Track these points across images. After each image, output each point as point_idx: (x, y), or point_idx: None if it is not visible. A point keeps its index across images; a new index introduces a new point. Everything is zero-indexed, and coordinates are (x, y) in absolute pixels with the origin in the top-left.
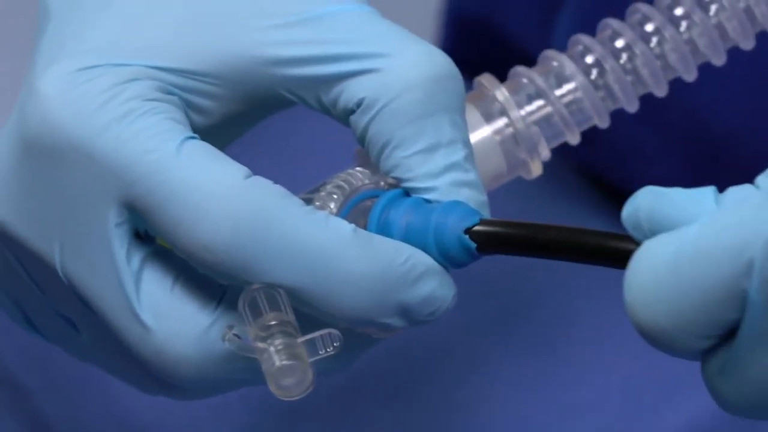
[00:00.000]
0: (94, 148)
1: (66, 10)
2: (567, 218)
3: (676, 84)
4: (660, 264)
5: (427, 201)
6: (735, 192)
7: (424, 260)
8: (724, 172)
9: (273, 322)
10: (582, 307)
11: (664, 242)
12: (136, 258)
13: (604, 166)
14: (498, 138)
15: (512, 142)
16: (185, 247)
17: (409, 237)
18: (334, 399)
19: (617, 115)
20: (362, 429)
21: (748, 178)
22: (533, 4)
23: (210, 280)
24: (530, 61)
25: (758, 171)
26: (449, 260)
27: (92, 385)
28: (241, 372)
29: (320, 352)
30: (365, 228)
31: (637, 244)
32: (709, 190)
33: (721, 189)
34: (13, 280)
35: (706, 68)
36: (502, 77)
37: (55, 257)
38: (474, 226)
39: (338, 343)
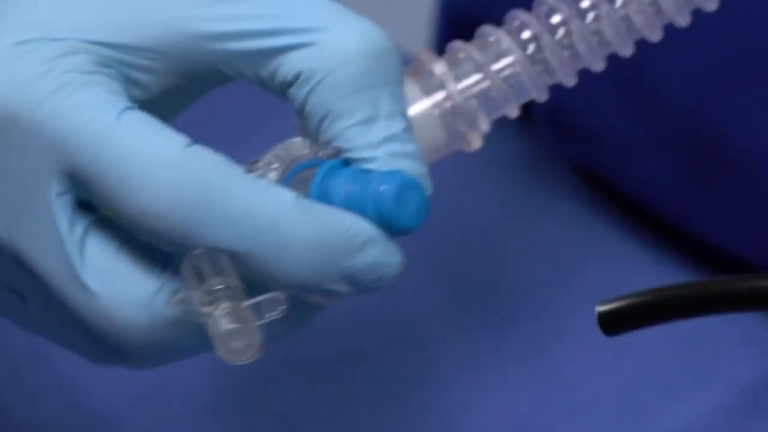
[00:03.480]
0: (32, 120)
1: None
2: (560, 217)
3: (668, 80)
4: None
5: (367, 171)
6: None
7: (366, 228)
8: (718, 168)
9: (218, 287)
10: (576, 308)
11: None
12: (80, 226)
13: (597, 164)
14: (437, 111)
15: (451, 116)
16: (128, 215)
17: (350, 206)
18: (327, 402)
19: (609, 113)
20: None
21: (741, 174)
22: (527, 5)
23: (155, 247)
24: None
25: (751, 167)
26: (389, 228)
27: (53, 376)
28: (190, 338)
29: (266, 316)
30: (306, 196)
31: None
32: None
33: (715, 186)
34: None
35: (698, 64)
36: None
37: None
38: (600, 308)
39: (284, 307)
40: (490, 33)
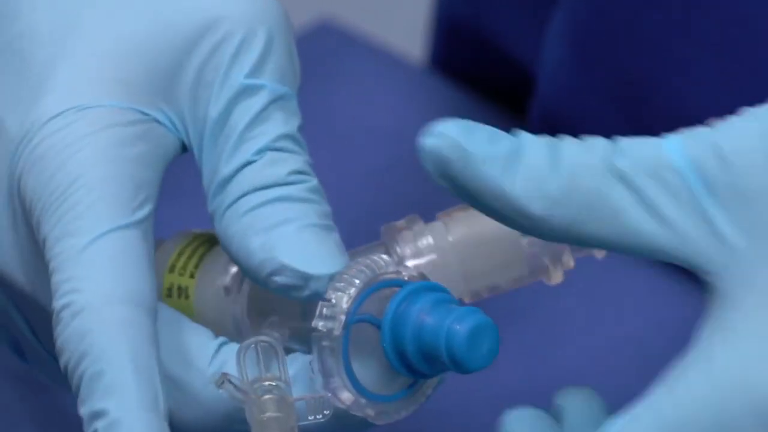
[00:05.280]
0: None
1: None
2: None
3: (665, 95)
4: None
5: (451, 301)
6: None
7: None
8: None
9: (269, 379)
10: (574, 313)
11: None
12: None
13: None
14: (525, 241)
15: (538, 246)
16: None
17: (421, 336)
18: None
19: (606, 124)
20: None
21: None
22: (523, 10)
23: None
24: (522, 69)
25: None
26: (456, 366)
27: None
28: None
29: (309, 418)
30: (381, 317)
31: None
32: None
33: None
34: (5, 319)
35: (695, 80)
36: (495, 85)
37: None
38: None
39: (328, 412)
40: None
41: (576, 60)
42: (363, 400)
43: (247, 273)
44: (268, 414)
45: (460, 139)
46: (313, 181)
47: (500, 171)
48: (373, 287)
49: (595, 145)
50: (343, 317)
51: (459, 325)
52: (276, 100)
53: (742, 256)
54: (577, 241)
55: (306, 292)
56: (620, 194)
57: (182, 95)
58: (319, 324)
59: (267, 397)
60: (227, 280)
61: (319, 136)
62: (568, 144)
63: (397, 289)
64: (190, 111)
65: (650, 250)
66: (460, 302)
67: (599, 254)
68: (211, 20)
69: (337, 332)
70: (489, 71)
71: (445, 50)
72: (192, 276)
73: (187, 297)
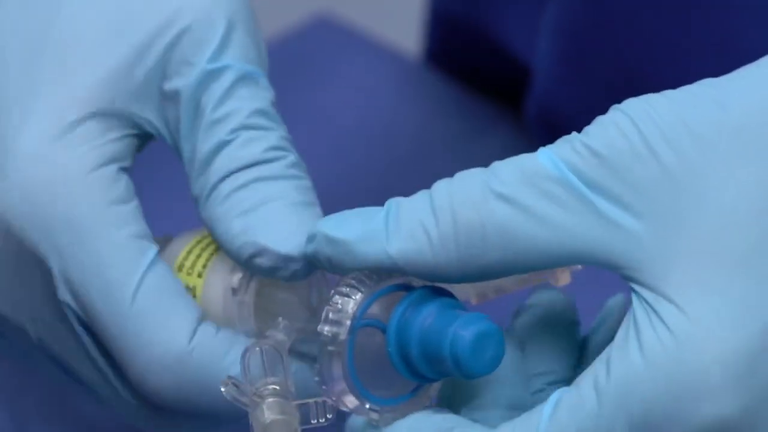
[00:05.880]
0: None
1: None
2: None
3: (659, 89)
4: None
5: (457, 306)
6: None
7: None
8: None
9: (272, 383)
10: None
11: None
12: None
13: None
14: None
15: None
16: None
17: (427, 341)
18: None
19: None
20: None
21: None
22: (519, 4)
23: None
24: (518, 62)
25: None
26: (463, 372)
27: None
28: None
29: (312, 422)
30: (387, 321)
31: None
32: None
33: None
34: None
35: (689, 74)
36: (492, 80)
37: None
38: None
39: (331, 415)
40: None
41: (572, 54)
42: (367, 404)
43: (231, 256)
44: (271, 417)
45: (331, 232)
46: (291, 156)
47: (382, 240)
48: (380, 292)
49: (469, 176)
50: (348, 322)
51: (464, 331)
52: (242, 79)
53: (644, 240)
54: (483, 274)
55: (287, 273)
56: (505, 215)
57: (150, 92)
58: (325, 329)
59: (270, 399)
60: (235, 280)
61: (315, 130)
62: (440, 186)
63: (403, 293)
64: (161, 106)
65: (552, 260)
66: (467, 305)
67: (562, 280)
68: (169, 15)
69: (343, 337)
70: (485, 66)
71: (441, 45)
72: (200, 276)
73: (194, 297)
